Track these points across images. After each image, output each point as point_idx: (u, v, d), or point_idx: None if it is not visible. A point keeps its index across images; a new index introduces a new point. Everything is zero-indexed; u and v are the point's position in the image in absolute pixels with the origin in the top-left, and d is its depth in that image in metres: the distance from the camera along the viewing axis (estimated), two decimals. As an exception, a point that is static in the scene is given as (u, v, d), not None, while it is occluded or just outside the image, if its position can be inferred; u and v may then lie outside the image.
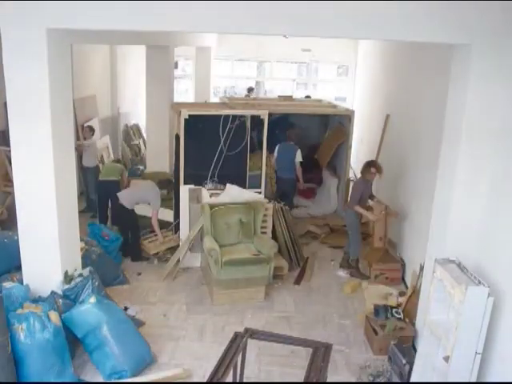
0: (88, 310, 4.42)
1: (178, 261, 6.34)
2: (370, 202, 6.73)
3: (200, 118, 6.39)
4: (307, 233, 7.89)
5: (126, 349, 4.41)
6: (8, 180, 6.94)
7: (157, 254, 6.84)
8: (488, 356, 3.76)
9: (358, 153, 10.39)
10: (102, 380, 4.39)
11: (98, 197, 7.64)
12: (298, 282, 6.41)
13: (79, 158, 8.09)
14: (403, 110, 7.45)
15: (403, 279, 6.39)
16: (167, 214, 7.37)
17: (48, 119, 4.25)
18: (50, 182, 4.41)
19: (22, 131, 4.33)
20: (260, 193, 6.73)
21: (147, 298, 5.78)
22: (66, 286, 4.69)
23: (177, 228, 6.94)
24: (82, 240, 5.47)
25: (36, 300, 4.44)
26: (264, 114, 6.61)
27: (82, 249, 5.37)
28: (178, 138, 6.54)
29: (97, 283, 4.88)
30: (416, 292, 5.20)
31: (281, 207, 6.76)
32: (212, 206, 6.19)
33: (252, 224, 6.26)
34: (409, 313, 5.12)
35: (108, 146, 10.40)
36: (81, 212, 6.05)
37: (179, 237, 6.69)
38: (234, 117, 6.43)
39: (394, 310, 5.08)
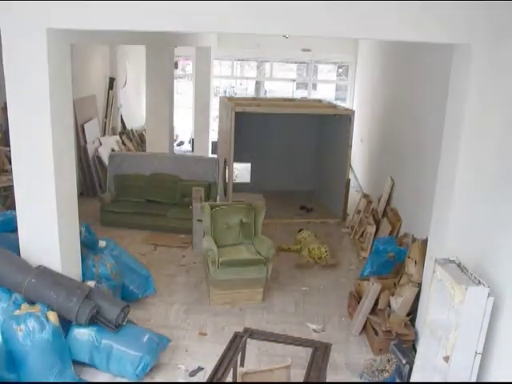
0: (79, 334, 4.38)
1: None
2: None
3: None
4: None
5: (133, 340, 4.42)
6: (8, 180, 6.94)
7: None
8: (488, 356, 3.76)
9: (358, 153, 10.42)
10: (102, 380, 4.40)
11: None
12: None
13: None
14: (403, 110, 7.46)
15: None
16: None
17: (48, 119, 4.25)
18: (50, 181, 4.41)
19: (22, 131, 4.33)
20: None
21: (147, 299, 5.77)
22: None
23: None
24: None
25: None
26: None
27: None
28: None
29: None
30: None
31: None
32: (212, 206, 6.19)
33: (252, 225, 6.25)
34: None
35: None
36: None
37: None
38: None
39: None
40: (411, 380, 4.21)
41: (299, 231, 7.60)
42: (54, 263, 4.59)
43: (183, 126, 14.04)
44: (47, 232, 4.54)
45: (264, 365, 4.62)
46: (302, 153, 10.20)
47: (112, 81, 11.17)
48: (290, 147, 10.10)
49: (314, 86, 14.49)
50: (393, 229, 6.92)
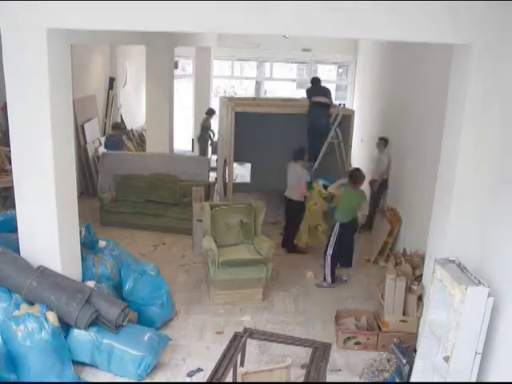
0: (79, 335, 4.39)
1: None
2: None
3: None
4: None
5: (134, 340, 4.43)
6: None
7: None
8: (488, 356, 3.76)
9: (358, 152, 10.41)
10: (102, 380, 4.40)
11: None
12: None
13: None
14: (403, 110, 7.45)
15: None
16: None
17: (48, 119, 4.25)
18: (50, 182, 4.41)
19: (22, 131, 4.33)
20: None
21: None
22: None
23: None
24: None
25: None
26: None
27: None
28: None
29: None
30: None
31: None
32: (212, 206, 6.19)
33: (252, 225, 6.26)
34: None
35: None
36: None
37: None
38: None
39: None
40: (411, 380, 4.21)
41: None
42: (54, 263, 4.59)
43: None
44: (47, 232, 4.54)
45: (264, 365, 4.63)
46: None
47: (112, 81, 11.18)
48: (290, 147, 10.07)
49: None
50: (393, 229, 6.91)
